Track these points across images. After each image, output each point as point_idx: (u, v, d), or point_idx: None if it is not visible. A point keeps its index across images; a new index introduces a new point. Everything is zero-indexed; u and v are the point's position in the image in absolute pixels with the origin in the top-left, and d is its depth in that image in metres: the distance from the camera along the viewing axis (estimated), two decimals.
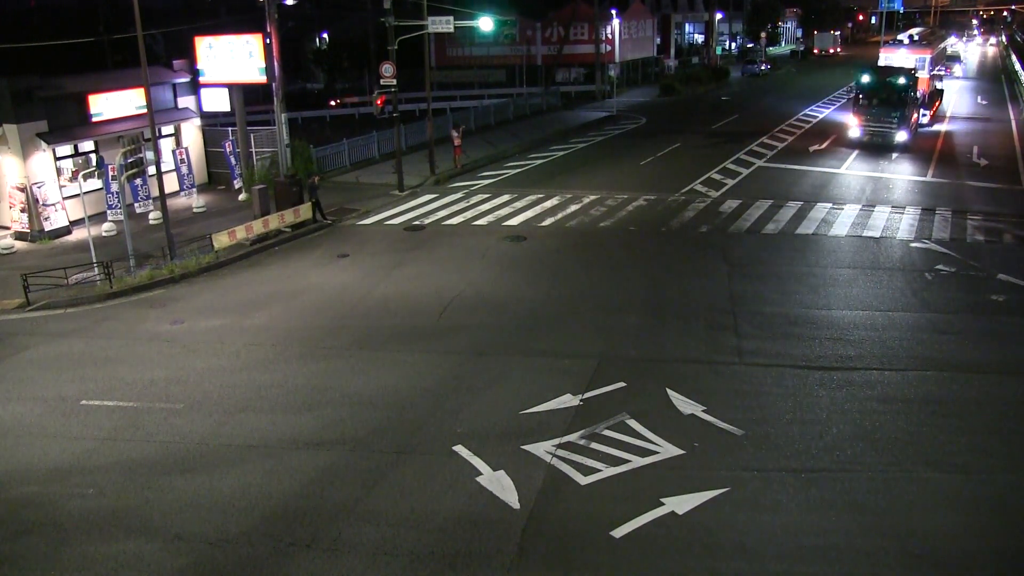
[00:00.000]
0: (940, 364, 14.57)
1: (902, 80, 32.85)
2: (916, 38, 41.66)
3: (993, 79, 65.04)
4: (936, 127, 39.47)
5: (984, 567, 9.58)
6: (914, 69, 36.60)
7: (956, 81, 59.95)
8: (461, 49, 57.80)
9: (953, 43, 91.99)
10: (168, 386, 14.47)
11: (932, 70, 39.43)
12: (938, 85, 43.72)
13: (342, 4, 58.63)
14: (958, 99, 50.63)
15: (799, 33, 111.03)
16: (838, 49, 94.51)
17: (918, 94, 35.54)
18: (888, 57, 40.16)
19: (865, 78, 33.92)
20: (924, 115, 37.96)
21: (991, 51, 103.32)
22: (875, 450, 11.89)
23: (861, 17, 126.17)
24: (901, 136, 32.93)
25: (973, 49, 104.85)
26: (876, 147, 33.52)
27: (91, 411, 13.67)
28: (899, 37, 41.92)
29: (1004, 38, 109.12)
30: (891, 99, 33.01)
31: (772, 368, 14.55)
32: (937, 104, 41.93)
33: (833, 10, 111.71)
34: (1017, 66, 63.43)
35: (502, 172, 31.88)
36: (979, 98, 52.03)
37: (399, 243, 23.02)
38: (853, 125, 34.40)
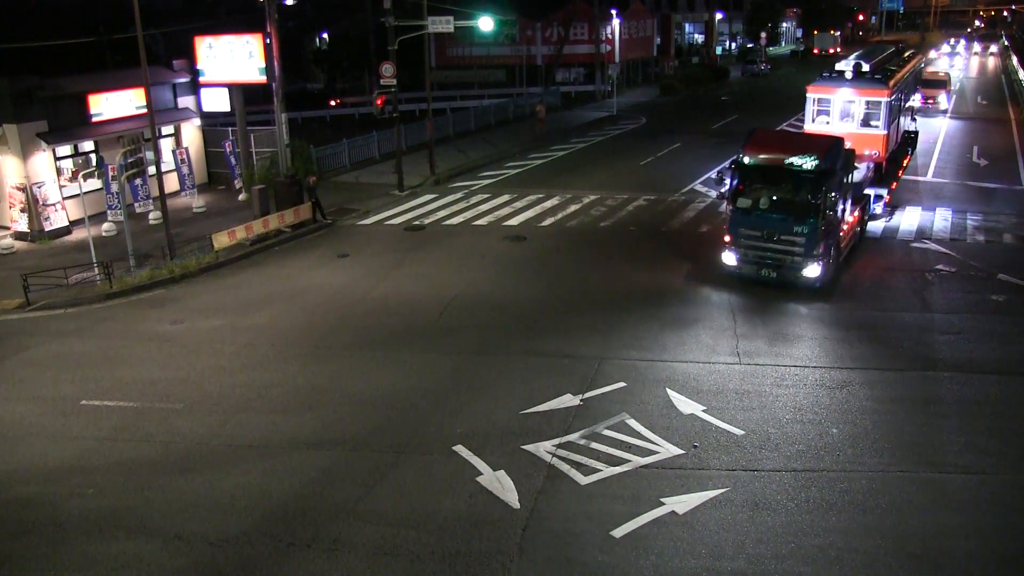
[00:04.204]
0: (940, 364, 14.56)
1: (811, 165, 17.24)
2: (866, 68, 23.10)
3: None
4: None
5: (984, 567, 9.58)
6: (872, 117, 22.30)
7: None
8: (461, 49, 57.76)
9: (935, 57, 74.72)
10: (168, 386, 14.47)
11: (894, 116, 23.45)
12: (910, 125, 29.70)
13: (342, 4, 58.63)
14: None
15: (799, 33, 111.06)
16: (838, 49, 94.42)
17: (856, 176, 20.68)
18: (820, 100, 22.97)
19: (747, 159, 18.07)
20: (875, 205, 22.67)
21: (992, 63, 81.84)
22: (875, 450, 11.89)
23: (861, 17, 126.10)
24: (811, 271, 17.48)
25: (971, 62, 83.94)
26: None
27: (91, 411, 13.67)
28: (839, 67, 23.50)
29: (1004, 39, 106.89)
30: (792, 201, 17.58)
31: (772, 368, 14.55)
32: (907, 160, 28.02)
33: (833, 10, 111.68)
34: (1017, 66, 63.17)
35: (502, 172, 31.88)
36: (979, 98, 51.94)
37: (399, 243, 23.02)
38: (727, 246, 18.56)
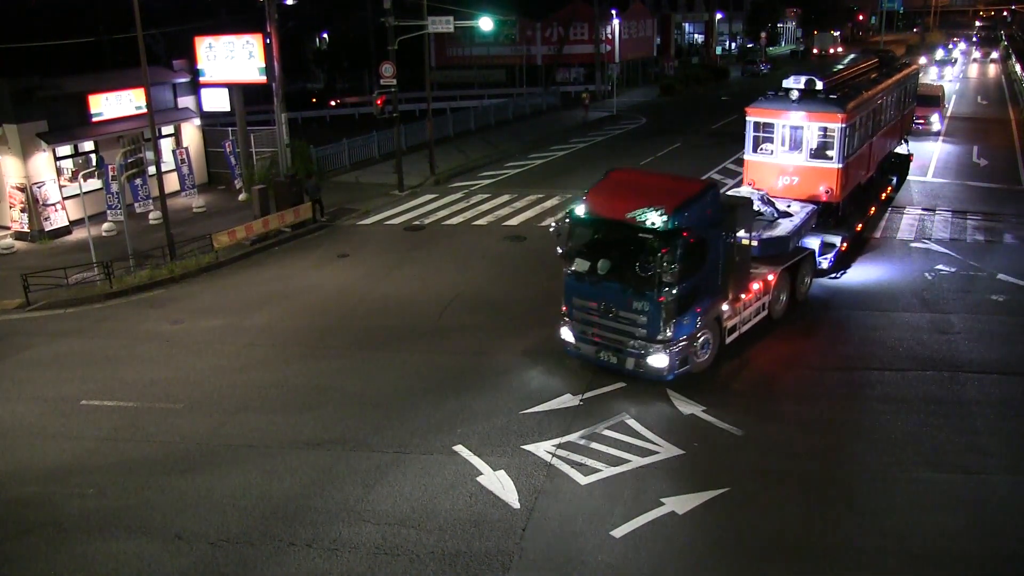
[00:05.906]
0: (940, 364, 14.55)
1: (656, 221, 13.06)
2: (820, 85, 18.82)
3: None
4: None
5: (984, 567, 9.58)
6: (825, 147, 18.33)
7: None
8: (461, 49, 57.80)
9: (923, 63, 62.18)
10: (168, 386, 14.47)
11: (855, 145, 19.14)
12: (900, 148, 26.17)
13: (342, 4, 58.62)
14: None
15: (799, 33, 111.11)
16: (838, 49, 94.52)
17: (786, 226, 17.08)
18: (762, 125, 19.44)
19: (581, 210, 14.29)
20: (822, 257, 18.02)
21: (993, 70, 72.55)
22: (875, 450, 11.89)
23: (861, 17, 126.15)
24: (657, 361, 13.31)
25: (969, 68, 74.61)
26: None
27: (91, 411, 13.67)
28: (786, 84, 19.33)
29: (1004, 40, 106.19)
30: (633, 267, 13.44)
31: (772, 368, 14.54)
32: (888, 193, 24.17)
33: (833, 10, 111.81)
34: (1017, 68, 62.97)
35: (502, 172, 31.88)
36: (979, 98, 51.90)
37: (399, 243, 23.02)
38: (563, 319, 14.55)
